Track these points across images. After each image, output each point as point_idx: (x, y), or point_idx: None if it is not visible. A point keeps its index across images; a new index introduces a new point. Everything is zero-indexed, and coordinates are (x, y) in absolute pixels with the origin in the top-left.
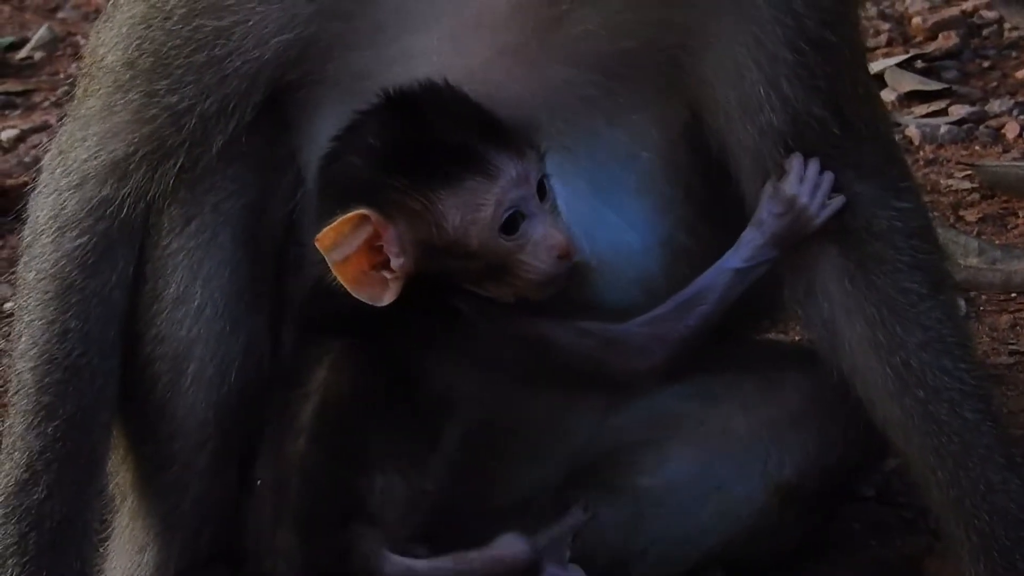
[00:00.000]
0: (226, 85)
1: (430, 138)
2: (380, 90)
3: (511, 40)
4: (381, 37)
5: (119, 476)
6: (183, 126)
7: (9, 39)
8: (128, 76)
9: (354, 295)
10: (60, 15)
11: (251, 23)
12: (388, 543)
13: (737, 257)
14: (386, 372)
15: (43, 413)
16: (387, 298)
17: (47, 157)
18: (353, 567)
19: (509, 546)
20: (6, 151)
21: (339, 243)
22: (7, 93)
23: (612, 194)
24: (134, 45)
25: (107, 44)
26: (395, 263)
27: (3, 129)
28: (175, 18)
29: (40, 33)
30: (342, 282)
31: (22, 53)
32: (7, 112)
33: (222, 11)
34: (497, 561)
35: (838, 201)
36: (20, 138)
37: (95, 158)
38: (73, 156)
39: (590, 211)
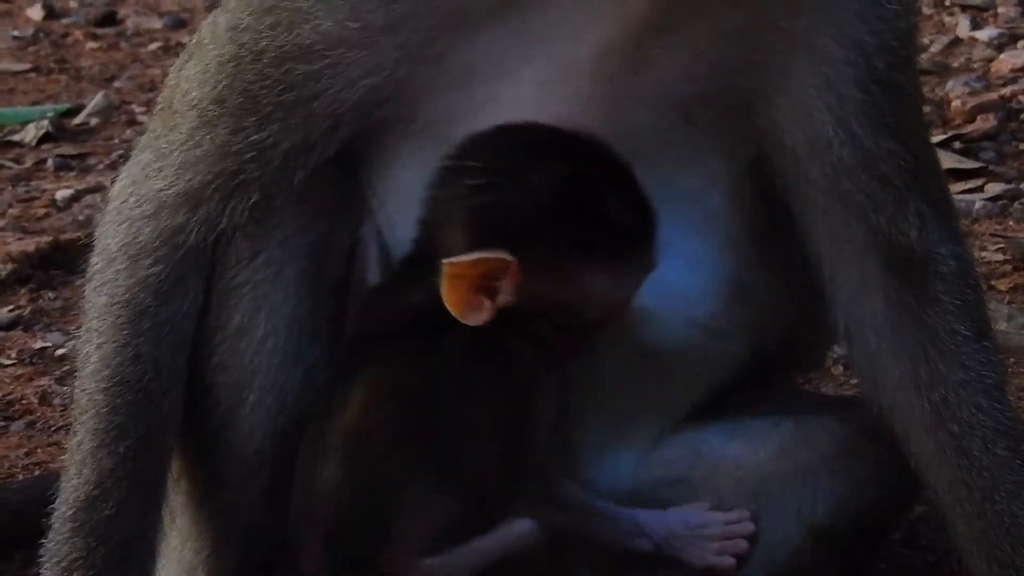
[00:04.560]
0: (312, 124)
1: (603, 211)
2: (568, 137)
3: (598, 86)
4: (469, 81)
5: (172, 498)
6: (266, 161)
7: (66, 106)
8: (216, 112)
9: (448, 307)
10: (116, 84)
11: (340, 66)
12: (413, 557)
13: (648, 517)
14: (418, 396)
15: (115, 432)
16: (475, 320)
17: (117, 187)
18: None
19: (514, 528)
20: (61, 209)
21: (464, 270)
22: (63, 156)
23: (677, 235)
24: (224, 83)
25: (193, 80)
26: (503, 299)
27: (59, 189)
28: (266, 60)
29: (96, 100)
30: (444, 295)
31: (78, 119)
32: (63, 173)
33: (312, 55)
34: (505, 542)
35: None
36: (75, 198)
37: (171, 187)
38: (148, 186)
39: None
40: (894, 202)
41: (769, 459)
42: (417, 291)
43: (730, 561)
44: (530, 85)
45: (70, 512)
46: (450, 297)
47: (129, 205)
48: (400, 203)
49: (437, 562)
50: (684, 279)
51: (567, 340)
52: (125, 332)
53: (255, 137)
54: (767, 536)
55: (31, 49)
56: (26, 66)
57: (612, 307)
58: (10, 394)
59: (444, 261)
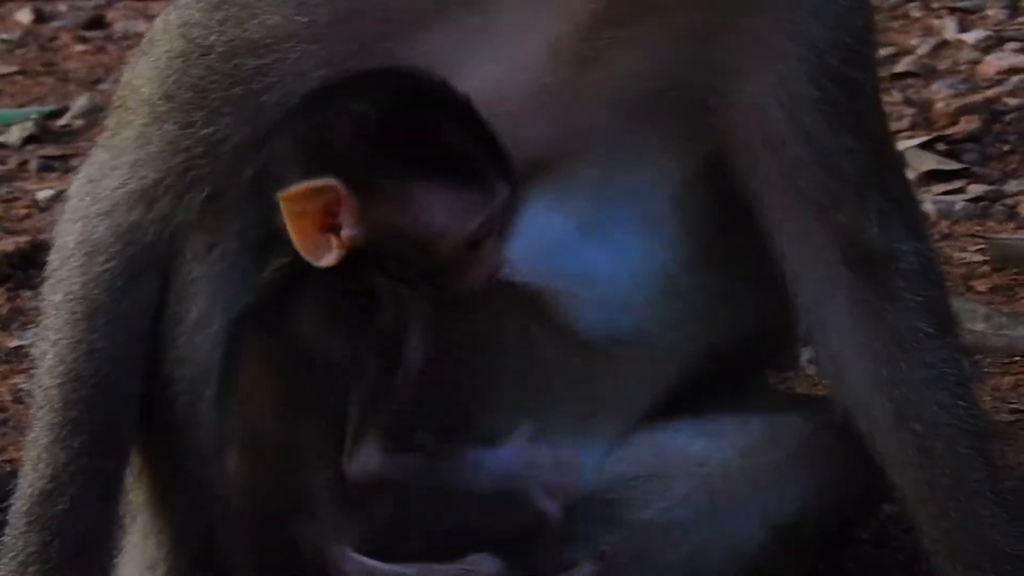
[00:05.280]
0: (262, 118)
1: (435, 134)
2: (391, 65)
3: (548, 82)
4: None
5: (133, 493)
6: (216, 156)
7: (51, 107)
8: (165, 108)
9: (298, 251)
10: (102, 87)
11: (289, 60)
12: (346, 540)
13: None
14: (290, 356)
15: (69, 427)
16: (326, 261)
17: (75, 186)
18: (308, 565)
19: (478, 564)
20: (43, 210)
21: (300, 202)
22: (46, 157)
23: (611, 226)
24: (172, 79)
25: (144, 77)
26: (346, 233)
27: (41, 190)
28: (214, 55)
29: (80, 102)
30: (291, 235)
31: (63, 121)
32: (45, 174)
33: (261, 49)
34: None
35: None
36: (57, 198)
37: (125, 186)
38: (104, 184)
39: (583, 241)
40: (853, 199)
41: (735, 457)
42: (274, 254)
43: (558, 505)
44: (479, 81)
45: (25, 507)
46: (296, 238)
47: (85, 204)
48: None
49: (385, 569)
50: (613, 271)
51: (429, 282)
52: (80, 328)
53: (204, 132)
54: (732, 535)
55: (18, 52)
56: (13, 68)
57: (461, 241)
58: None
59: (279, 195)
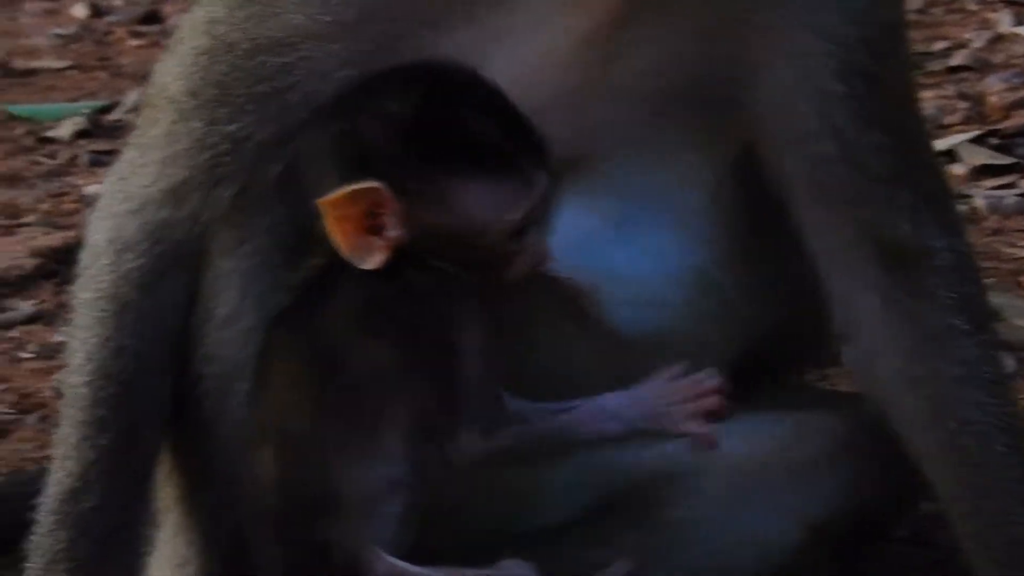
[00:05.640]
0: (287, 116)
1: (471, 127)
2: (421, 59)
3: (570, 80)
4: None
5: (163, 491)
6: (241, 153)
7: (103, 102)
8: (191, 105)
9: (339, 252)
10: None
11: (313, 59)
12: (377, 541)
13: (585, 411)
14: (325, 356)
15: (97, 425)
16: (372, 263)
17: (106, 184)
18: (337, 565)
19: (510, 569)
20: (91, 205)
21: (342, 207)
22: (97, 152)
23: (643, 225)
24: (198, 76)
25: (171, 74)
26: (391, 234)
27: (90, 185)
28: (238, 52)
29: (132, 97)
30: (335, 240)
31: (114, 116)
32: (95, 169)
33: (284, 48)
34: None
35: None
36: None
37: (154, 184)
38: (133, 182)
39: (616, 239)
40: (882, 196)
41: (767, 456)
42: (308, 255)
43: (706, 426)
44: (502, 79)
45: (53, 504)
46: (340, 241)
47: (116, 201)
48: None
49: (416, 571)
50: (647, 269)
51: (476, 275)
52: (109, 325)
53: (229, 129)
54: (764, 534)
55: (73, 46)
56: (67, 63)
57: (504, 232)
58: (26, 388)
59: (319, 201)
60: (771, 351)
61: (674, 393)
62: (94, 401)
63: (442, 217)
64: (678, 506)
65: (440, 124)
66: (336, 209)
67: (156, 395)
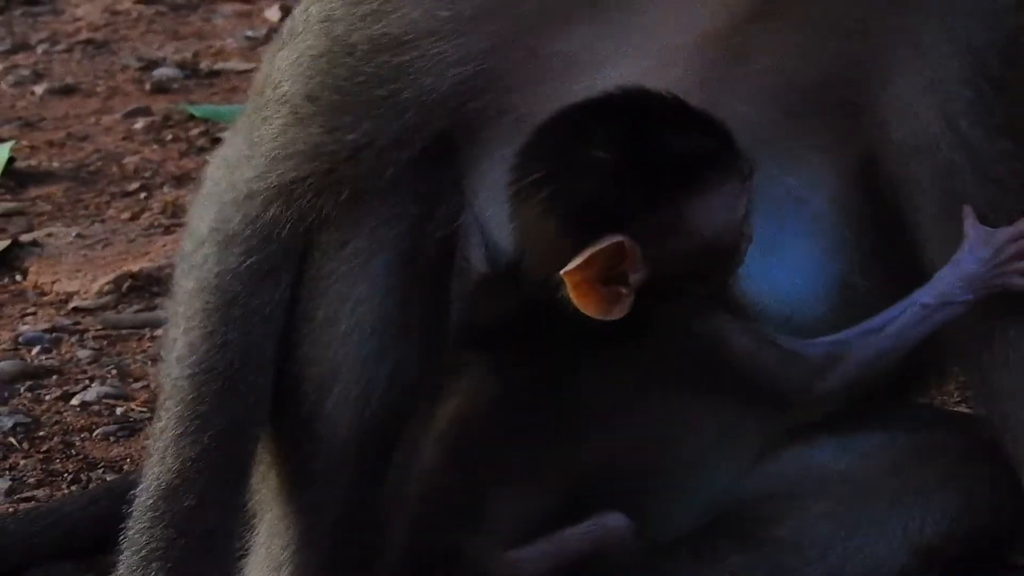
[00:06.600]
0: (404, 118)
1: (676, 146)
2: (587, 98)
3: (697, 76)
4: (566, 72)
5: (259, 492)
6: (360, 159)
7: None
8: (309, 110)
9: (584, 311)
10: None
11: (430, 57)
12: (500, 548)
13: (928, 293)
14: (535, 383)
15: (199, 422)
16: (618, 312)
17: (212, 166)
18: (462, 571)
19: (607, 520)
20: None
21: (583, 270)
22: None
23: (780, 237)
24: (316, 80)
25: (285, 73)
26: (634, 278)
27: None
28: (358, 53)
29: None
30: (575, 301)
31: None
32: None
33: (403, 46)
34: (596, 534)
35: None
36: None
37: (263, 179)
38: (240, 173)
39: (755, 256)
40: (1009, 206)
41: (878, 475)
42: (525, 289)
43: None
44: (628, 75)
45: (151, 500)
46: (585, 303)
47: (221, 189)
48: (492, 197)
49: (523, 554)
50: (788, 281)
51: (713, 281)
52: (214, 319)
53: (350, 137)
54: (871, 556)
55: (261, 49)
56: (252, 65)
57: (736, 228)
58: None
59: (561, 273)
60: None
61: (1000, 252)
62: (197, 396)
63: (682, 242)
64: (784, 525)
65: (649, 156)
66: (577, 275)
67: (259, 394)
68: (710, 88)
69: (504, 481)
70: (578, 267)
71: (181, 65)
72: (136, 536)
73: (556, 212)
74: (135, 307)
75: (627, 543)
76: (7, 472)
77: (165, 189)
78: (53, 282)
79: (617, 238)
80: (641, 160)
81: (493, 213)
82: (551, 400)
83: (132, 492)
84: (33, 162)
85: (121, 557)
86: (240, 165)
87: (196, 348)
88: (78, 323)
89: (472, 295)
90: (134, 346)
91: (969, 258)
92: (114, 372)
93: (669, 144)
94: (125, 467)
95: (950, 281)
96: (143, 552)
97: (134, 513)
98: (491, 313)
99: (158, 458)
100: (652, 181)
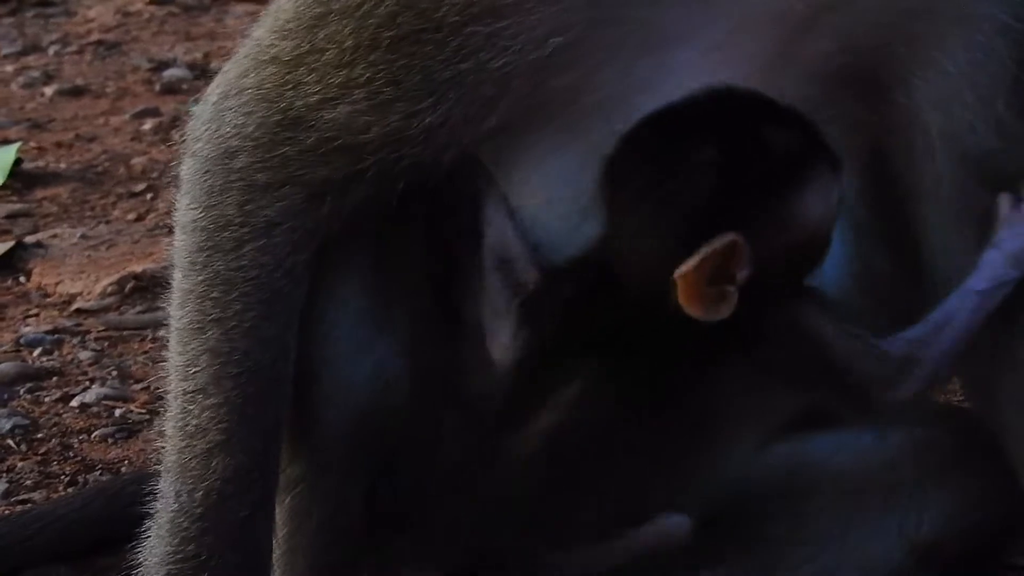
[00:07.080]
0: (478, 95)
1: (772, 142)
2: (672, 104)
3: (764, 52)
4: (647, 45)
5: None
6: (431, 141)
7: None
8: (391, 95)
9: (690, 313)
10: None
11: (524, 24)
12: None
13: (979, 279)
14: (636, 389)
15: (247, 425)
16: (725, 311)
17: (242, 154)
18: (503, 567)
19: (667, 523)
20: None
21: (695, 272)
22: None
23: None
24: (400, 63)
25: (357, 55)
26: (741, 276)
27: None
28: (446, 29)
29: None
30: (683, 303)
31: None
32: None
33: (497, 13)
34: (657, 536)
35: None
36: None
37: (315, 173)
38: (286, 168)
39: None
40: None
41: (874, 473)
42: (616, 295)
43: None
44: (704, 52)
45: (199, 510)
46: (693, 305)
47: (259, 179)
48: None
49: (588, 555)
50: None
51: (805, 276)
52: (252, 313)
53: (430, 119)
54: (867, 554)
55: None
56: None
57: (832, 220)
58: (162, 389)
59: (676, 275)
60: None
61: None
62: (243, 398)
63: (787, 237)
64: (781, 523)
65: (751, 154)
66: (692, 275)
67: (288, 395)
68: (771, 65)
69: (593, 488)
70: (692, 268)
71: (191, 66)
72: (178, 545)
73: (665, 218)
74: (138, 308)
75: (685, 544)
76: (4, 474)
77: (171, 190)
78: (56, 283)
79: (731, 237)
80: (744, 159)
81: (553, 214)
82: (654, 407)
83: (130, 493)
84: (40, 163)
85: (148, 567)
86: (298, 158)
87: (235, 342)
88: (80, 324)
89: (530, 302)
90: (136, 347)
91: (1012, 235)
92: (115, 374)
93: (768, 141)
94: (123, 469)
95: (999, 262)
96: (188, 565)
97: (171, 519)
98: (570, 320)
99: (200, 462)
100: (757, 179)
